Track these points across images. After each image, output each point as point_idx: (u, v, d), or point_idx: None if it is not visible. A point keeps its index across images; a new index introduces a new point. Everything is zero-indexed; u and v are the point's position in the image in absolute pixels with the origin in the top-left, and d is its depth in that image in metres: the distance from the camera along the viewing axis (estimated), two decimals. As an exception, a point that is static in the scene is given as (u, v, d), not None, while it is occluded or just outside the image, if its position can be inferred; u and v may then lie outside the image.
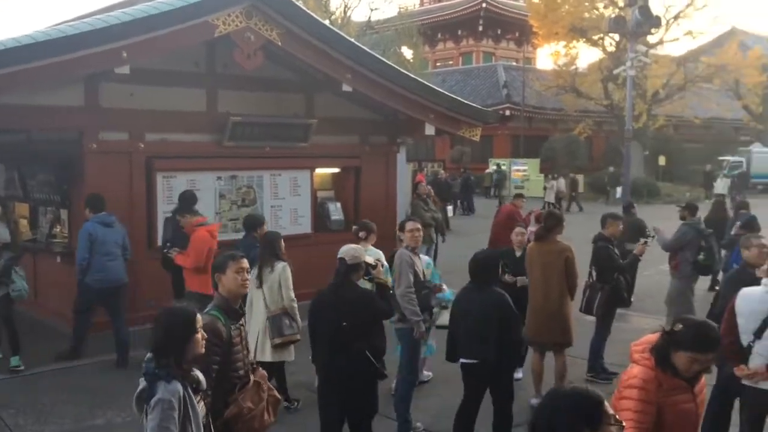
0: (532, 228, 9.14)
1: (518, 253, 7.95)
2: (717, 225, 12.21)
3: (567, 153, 35.27)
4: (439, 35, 53.64)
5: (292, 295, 6.69)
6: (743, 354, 4.94)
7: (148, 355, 3.46)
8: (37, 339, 8.80)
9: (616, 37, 32.37)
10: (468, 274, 5.84)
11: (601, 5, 34.37)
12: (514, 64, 44.34)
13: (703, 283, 9.27)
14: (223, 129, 10.10)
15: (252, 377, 4.29)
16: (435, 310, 6.90)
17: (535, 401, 7.04)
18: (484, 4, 49.66)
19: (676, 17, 33.56)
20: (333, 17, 32.16)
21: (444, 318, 6.67)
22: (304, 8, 10.67)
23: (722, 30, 44.47)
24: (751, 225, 10.31)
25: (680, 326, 3.41)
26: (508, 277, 7.40)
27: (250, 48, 9.29)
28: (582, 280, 7.79)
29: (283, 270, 6.69)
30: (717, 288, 9.14)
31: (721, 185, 30.07)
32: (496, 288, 5.76)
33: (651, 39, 31.32)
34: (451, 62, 52.20)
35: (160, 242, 9.31)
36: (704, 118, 38.37)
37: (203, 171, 10.20)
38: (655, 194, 31.87)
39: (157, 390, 3.31)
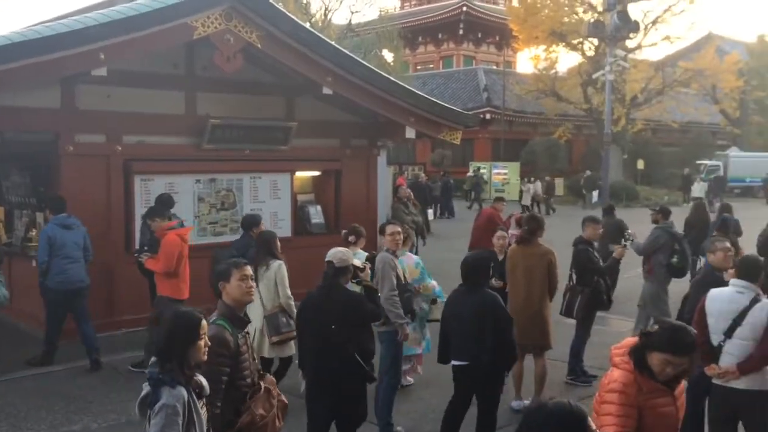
0: (513, 231, 9.15)
1: (500, 257, 7.96)
2: (699, 228, 12.31)
3: (547, 156, 35.49)
4: (420, 38, 53.74)
5: (289, 293, 6.77)
6: (714, 353, 5.02)
7: (152, 359, 3.42)
8: (12, 344, 8.68)
9: (596, 41, 32.67)
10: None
11: (580, 10, 34.67)
12: (495, 67, 44.56)
13: (677, 285, 9.31)
14: (203, 132, 10.02)
15: (262, 384, 4.25)
16: (424, 306, 7.07)
17: (515, 403, 7.07)
18: (464, 8, 49.87)
19: (654, 22, 33.91)
20: (313, 20, 32.07)
21: (435, 313, 6.87)
22: (285, 11, 10.62)
23: (699, 35, 45.07)
24: (726, 227, 10.42)
25: (657, 327, 3.48)
26: (495, 281, 7.38)
27: (230, 50, 9.23)
28: (563, 283, 7.82)
29: (278, 268, 6.78)
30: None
31: (698, 189, 30.41)
32: (487, 290, 5.77)
33: (629, 44, 31.65)
34: (431, 66, 52.32)
35: (137, 246, 9.21)
36: (682, 123, 38.83)
37: (182, 174, 10.10)
38: (634, 198, 32.15)
39: (161, 395, 3.28)
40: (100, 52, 8.22)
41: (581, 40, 34.09)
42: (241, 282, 4.20)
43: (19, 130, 9.04)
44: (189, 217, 10.01)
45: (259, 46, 9.52)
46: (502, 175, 34.90)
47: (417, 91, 12.18)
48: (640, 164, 36.90)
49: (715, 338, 5.03)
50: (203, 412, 3.56)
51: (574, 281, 7.96)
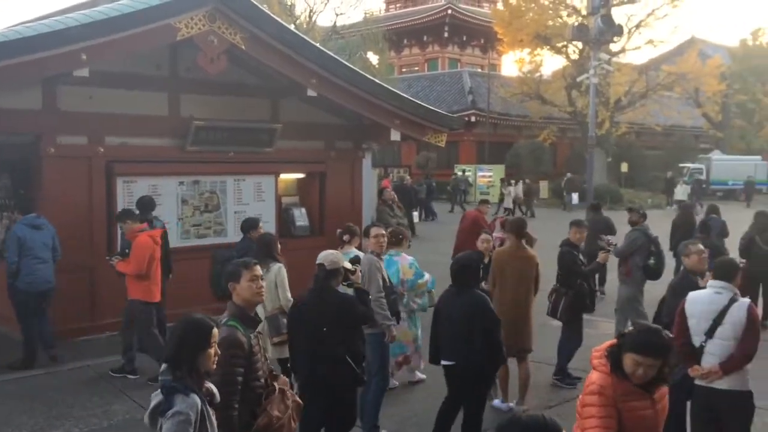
0: (498, 234, 9.15)
1: (486, 260, 7.95)
2: (684, 229, 12.41)
3: (532, 159, 35.66)
4: (405, 41, 53.85)
5: (289, 295, 6.77)
6: (696, 355, 5.08)
7: (163, 367, 3.37)
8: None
9: (580, 45, 32.87)
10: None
11: (564, 13, 34.88)
12: (480, 70, 44.67)
13: (654, 288, 9.31)
14: (186, 133, 9.95)
15: (276, 385, 4.22)
16: (419, 301, 7.32)
17: (498, 402, 7.09)
18: (449, 11, 50.01)
19: (637, 26, 34.19)
20: (298, 22, 32.01)
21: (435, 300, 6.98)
22: (269, 12, 10.57)
23: (682, 39, 45.52)
24: (708, 229, 10.50)
25: (631, 329, 3.55)
26: (485, 284, 7.37)
27: (214, 52, 9.17)
28: (549, 285, 7.84)
29: (279, 271, 6.80)
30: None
31: (681, 192, 30.65)
32: (477, 291, 5.77)
33: (613, 47, 31.80)
34: (416, 68, 52.43)
35: (119, 248, 9.13)
36: (665, 126, 39.16)
37: (165, 176, 10.03)
38: (618, 200, 32.33)
39: (174, 402, 3.21)
40: (82, 52, 8.13)
41: (565, 43, 34.30)
42: (252, 282, 4.17)
43: (-1, 131, 8.94)
44: (172, 220, 9.93)
45: (243, 47, 9.47)
46: (487, 177, 35.01)
47: (402, 94, 12.17)
48: (624, 167, 37.18)
49: (697, 339, 5.10)
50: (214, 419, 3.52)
51: (559, 283, 8.00)
